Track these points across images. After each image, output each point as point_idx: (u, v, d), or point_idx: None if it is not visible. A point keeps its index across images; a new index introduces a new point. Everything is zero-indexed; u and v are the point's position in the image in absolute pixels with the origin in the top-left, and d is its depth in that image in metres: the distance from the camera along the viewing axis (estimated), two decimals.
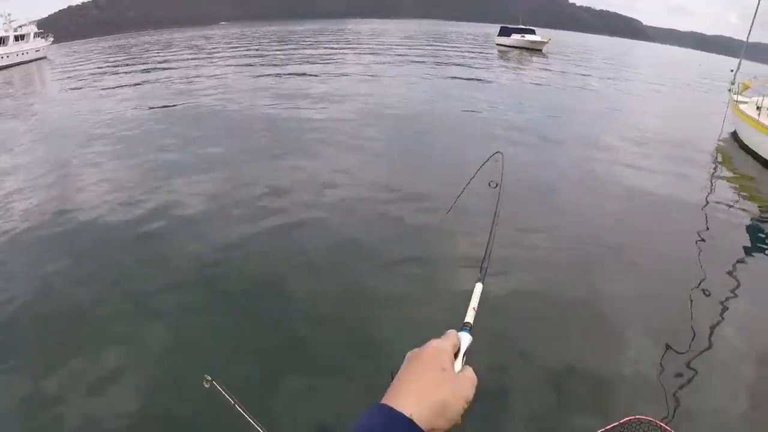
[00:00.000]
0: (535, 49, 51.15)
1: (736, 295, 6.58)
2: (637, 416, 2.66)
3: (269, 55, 39.71)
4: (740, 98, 16.74)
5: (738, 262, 7.67)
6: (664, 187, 10.85)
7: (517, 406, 4.56)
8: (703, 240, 8.38)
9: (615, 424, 2.70)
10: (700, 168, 13.06)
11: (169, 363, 5.02)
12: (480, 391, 0.79)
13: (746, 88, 17.22)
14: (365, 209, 8.85)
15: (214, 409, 2.86)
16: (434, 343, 0.81)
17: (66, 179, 10.70)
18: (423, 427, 0.68)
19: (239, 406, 2.71)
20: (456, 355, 0.83)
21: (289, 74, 26.65)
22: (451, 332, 0.86)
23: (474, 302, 0.98)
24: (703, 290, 6.64)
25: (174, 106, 18.57)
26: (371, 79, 25.34)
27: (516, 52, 49.56)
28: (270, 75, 26.43)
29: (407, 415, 0.68)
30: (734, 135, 16.69)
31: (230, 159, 11.66)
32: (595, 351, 5.34)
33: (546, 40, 51.59)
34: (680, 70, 47.90)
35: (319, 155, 11.96)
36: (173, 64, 34.79)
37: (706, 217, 9.44)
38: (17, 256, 7.40)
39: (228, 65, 32.86)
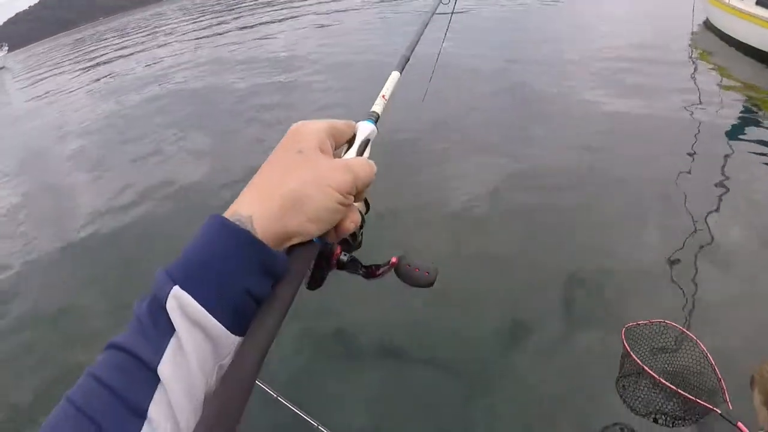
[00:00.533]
0: None
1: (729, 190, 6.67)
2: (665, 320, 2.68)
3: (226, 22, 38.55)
4: None
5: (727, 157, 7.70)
6: (644, 97, 10.60)
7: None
8: (695, 148, 8.24)
9: (644, 322, 2.70)
10: (679, 65, 12.92)
11: None
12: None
13: None
14: None
15: (258, 408, 2.85)
16: (298, 123, 0.61)
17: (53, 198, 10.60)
18: (271, 232, 0.52)
19: (282, 399, 2.60)
20: (350, 144, 0.69)
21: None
22: (341, 124, 0.66)
23: (386, 90, 0.83)
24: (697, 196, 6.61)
25: (147, 93, 18.20)
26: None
27: None
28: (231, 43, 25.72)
29: (240, 218, 0.51)
30: (706, 22, 16.48)
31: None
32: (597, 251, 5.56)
33: None
34: None
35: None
36: (133, 49, 33.88)
37: (693, 120, 9.28)
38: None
39: (188, 39, 31.83)
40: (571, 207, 6.63)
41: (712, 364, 2.42)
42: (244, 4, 48.05)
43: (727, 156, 7.73)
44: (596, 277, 5.16)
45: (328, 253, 0.63)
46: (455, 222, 6.61)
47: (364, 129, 0.70)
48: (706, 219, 6.04)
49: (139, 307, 0.49)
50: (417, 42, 1.08)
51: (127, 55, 31.35)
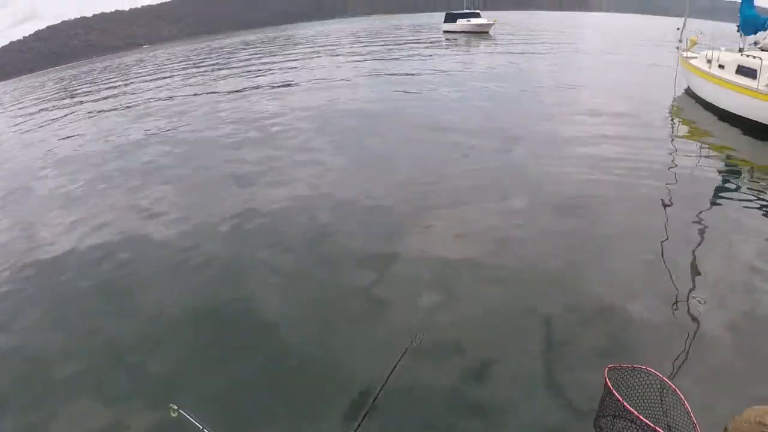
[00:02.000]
0: (482, 32, 50.68)
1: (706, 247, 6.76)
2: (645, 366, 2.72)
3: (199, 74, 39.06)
4: (689, 54, 17.11)
5: (705, 211, 7.88)
6: (626, 153, 10.88)
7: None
8: (670, 200, 8.45)
9: (627, 365, 2.73)
10: (660, 129, 13.23)
11: (135, 395, 4.87)
12: None
13: (694, 44, 17.62)
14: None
15: None
16: None
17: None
18: None
19: (207, 430, 2.68)
20: None
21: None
22: None
23: None
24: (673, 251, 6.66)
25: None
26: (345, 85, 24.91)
27: (464, 37, 49.04)
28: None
29: None
30: (687, 90, 17.04)
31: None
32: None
33: (492, 22, 50.90)
34: (627, 38, 47.78)
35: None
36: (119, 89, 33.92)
37: (674, 176, 9.52)
38: None
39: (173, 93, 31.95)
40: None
41: (688, 411, 2.45)
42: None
43: (707, 213, 7.87)
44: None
45: None
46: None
47: None
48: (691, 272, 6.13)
49: None
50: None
51: (114, 96, 31.35)
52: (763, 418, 1.46)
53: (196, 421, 2.68)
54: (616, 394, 2.43)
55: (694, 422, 2.39)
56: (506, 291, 6.03)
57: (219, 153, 13.47)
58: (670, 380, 2.72)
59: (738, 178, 9.58)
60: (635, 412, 2.32)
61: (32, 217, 10.52)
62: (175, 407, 2.71)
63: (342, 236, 7.84)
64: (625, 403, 2.38)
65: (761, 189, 8.72)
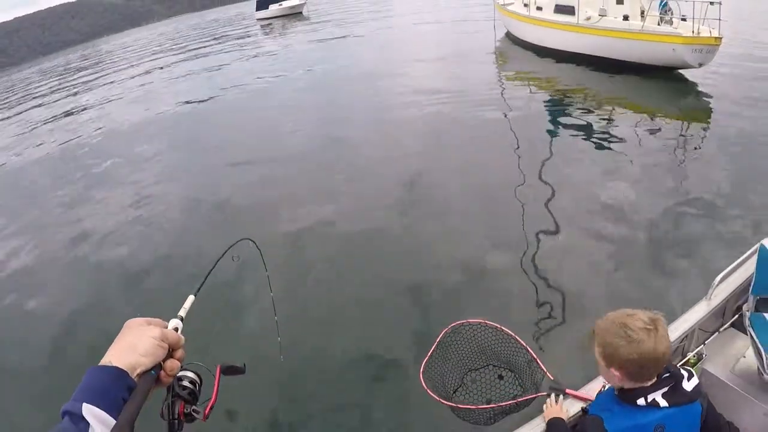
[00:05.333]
0: (296, 13, 49.64)
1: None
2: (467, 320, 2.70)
3: None
4: (505, 1, 17.31)
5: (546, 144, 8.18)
6: (457, 109, 10.56)
7: None
8: (515, 143, 8.41)
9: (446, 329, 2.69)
10: (488, 76, 13.25)
11: None
12: None
13: None
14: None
15: None
16: (128, 320, 1.03)
17: None
18: (122, 365, 0.91)
19: None
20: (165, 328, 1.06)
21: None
22: (156, 319, 1.07)
23: (186, 304, 1.24)
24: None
25: None
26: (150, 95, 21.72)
27: (279, 22, 47.31)
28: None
29: (105, 364, 0.91)
30: (508, 34, 17.38)
31: None
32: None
33: (304, 2, 50.28)
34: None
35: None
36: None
37: (507, 120, 9.53)
38: None
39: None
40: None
41: (525, 347, 2.53)
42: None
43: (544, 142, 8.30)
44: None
45: (174, 410, 1.03)
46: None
47: (174, 322, 1.13)
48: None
49: (58, 428, 0.81)
50: (211, 270, 1.45)
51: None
52: (625, 320, 1.53)
53: None
54: (432, 394, 2.39)
55: (533, 356, 2.49)
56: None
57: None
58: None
59: (572, 107, 9.95)
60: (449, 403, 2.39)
61: None
62: None
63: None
64: (438, 398, 2.39)
65: (593, 116, 9.36)
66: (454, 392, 2.60)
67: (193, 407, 1.05)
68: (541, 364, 2.42)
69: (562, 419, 2.11)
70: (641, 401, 1.64)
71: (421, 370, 2.54)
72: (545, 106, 10.14)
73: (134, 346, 0.95)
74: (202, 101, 16.25)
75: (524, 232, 5.77)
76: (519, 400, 2.37)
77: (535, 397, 2.34)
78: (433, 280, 5.26)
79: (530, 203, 6.34)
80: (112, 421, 0.84)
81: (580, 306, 4.62)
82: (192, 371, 1.14)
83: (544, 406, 2.25)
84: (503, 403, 2.37)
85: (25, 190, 11.11)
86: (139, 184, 9.48)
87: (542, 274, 5.12)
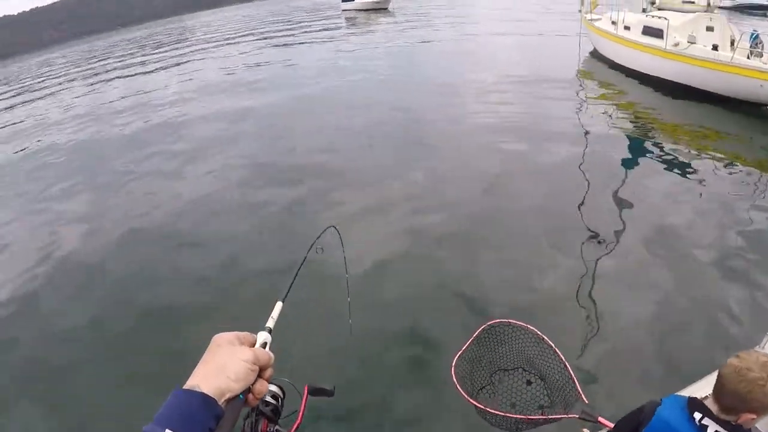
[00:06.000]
0: (381, 9, 50.06)
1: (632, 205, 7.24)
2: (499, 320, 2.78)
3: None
4: (593, 16, 17.35)
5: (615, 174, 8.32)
6: (537, 123, 11.02)
7: None
8: (586, 165, 8.71)
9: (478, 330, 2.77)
10: (570, 93, 13.52)
11: None
12: None
13: (596, 5, 17.93)
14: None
15: None
16: (215, 335, 0.94)
17: None
18: (210, 391, 0.83)
19: None
20: (253, 345, 0.98)
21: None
22: (244, 333, 0.99)
23: (275, 313, 1.15)
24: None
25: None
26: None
27: (363, 15, 48.13)
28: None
29: (193, 387, 0.83)
30: (593, 52, 17.34)
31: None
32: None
33: None
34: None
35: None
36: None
37: (586, 139, 9.94)
38: None
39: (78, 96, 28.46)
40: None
41: (564, 363, 2.53)
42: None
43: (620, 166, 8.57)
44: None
45: (257, 428, 1.07)
46: None
47: (262, 336, 1.02)
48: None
49: None
50: (297, 273, 1.33)
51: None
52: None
53: None
54: (461, 391, 2.46)
55: (571, 375, 2.47)
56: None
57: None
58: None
59: (650, 135, 10.16)
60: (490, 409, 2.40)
61: None
62: None
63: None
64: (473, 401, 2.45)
65: (672, 146, 9.43)
66: (481, 389, 2.63)
67: (277, 427, 1.03)
68: (578, 385, 2.40)
69: None
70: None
71: (453, 363, 2.61)
72: (624, 133, 10.33)
73: (224, 368, 0.88)
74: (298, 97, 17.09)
75: (586, 259, 6.01)
76: (549, 417, 2.33)
77: (565, 418, 2.30)
78: (497, 298, 5.46)
79: (603, 232, 6.54)
80: None
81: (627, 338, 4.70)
82: (275, 384, 1.12)
83: None
84: (533, 417, 2.36)
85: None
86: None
87: (601, 305, 5.22)
